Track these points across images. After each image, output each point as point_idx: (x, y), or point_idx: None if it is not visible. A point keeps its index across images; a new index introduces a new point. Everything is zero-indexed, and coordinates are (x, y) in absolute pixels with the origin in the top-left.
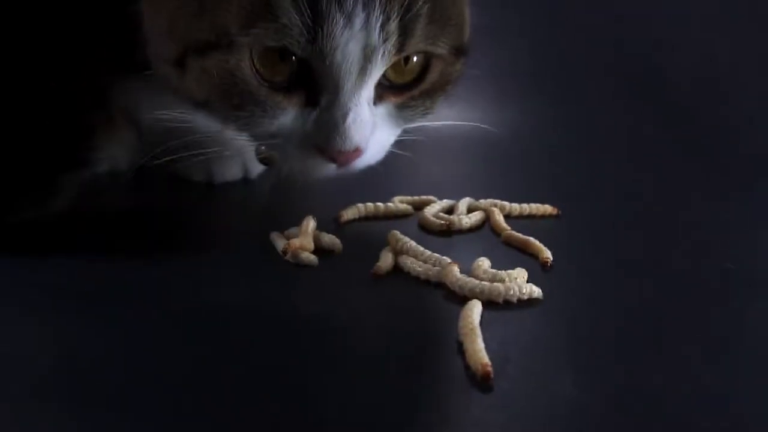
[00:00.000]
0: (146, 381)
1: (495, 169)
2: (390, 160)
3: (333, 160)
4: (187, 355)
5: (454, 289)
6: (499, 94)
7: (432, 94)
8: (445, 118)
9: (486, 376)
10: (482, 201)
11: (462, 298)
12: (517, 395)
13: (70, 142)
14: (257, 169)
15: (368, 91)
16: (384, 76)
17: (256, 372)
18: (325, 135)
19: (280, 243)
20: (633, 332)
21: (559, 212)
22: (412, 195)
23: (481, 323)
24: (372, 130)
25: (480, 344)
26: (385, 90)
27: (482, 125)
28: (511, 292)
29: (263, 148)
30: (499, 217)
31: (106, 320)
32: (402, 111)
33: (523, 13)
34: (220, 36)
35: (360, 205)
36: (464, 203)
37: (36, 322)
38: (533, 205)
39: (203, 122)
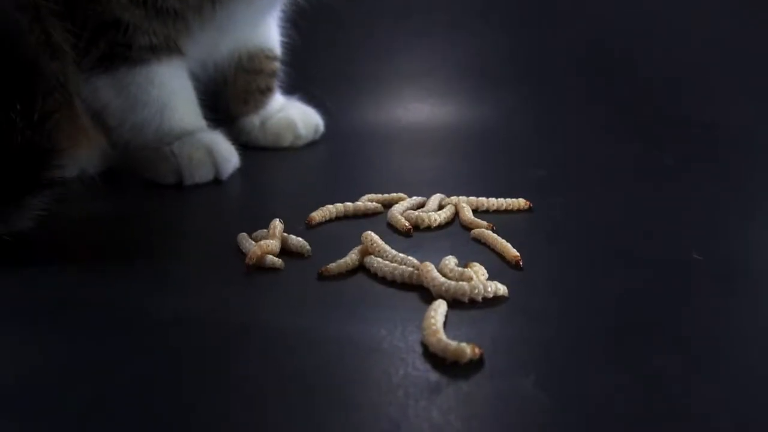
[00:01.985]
0: (111, 394)
1: (467, 163)
2: (359, 156)
3: None
4: (149, 366)
5: (429, 287)
6: (473, 88)
7: None
8: (418, 112)
9: (479, 356)
10: (453, 197)
11: (431, 298)
12: (476, 397)
13: (36, 165)
14: (228, 170)
15: None
16: None
17: (214, 385)
18: None
19: (246, 245)
20: (599, 330)
21: (531, 206)
22: (382, 193)
23: (446, 323)
24: None
25: (446, 340)
26: None
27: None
28: (476, 291)
29: None
30: (469, 213)
31: (70, 330)
32: None
33: (499, 10)
34: None
35: (330, 206)
36: (435, 199)
37: None
38: (505, 200)
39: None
